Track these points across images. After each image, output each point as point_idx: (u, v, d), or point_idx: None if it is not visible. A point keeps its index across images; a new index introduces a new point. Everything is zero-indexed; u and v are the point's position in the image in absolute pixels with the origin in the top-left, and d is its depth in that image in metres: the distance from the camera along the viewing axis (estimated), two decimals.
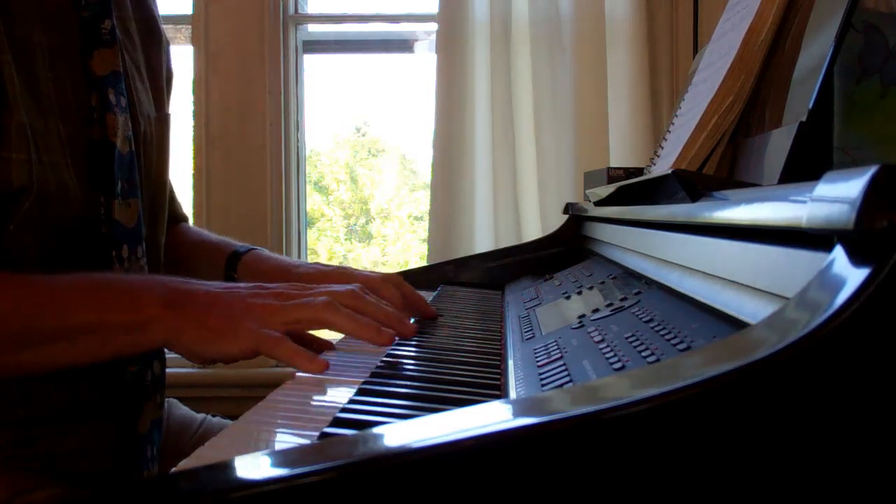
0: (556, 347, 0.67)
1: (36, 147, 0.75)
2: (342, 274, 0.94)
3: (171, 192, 1.09)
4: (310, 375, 0.67)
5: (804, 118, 0.64)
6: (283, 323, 0.70)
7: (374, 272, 0.96)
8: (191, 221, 1.20)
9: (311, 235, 3.13)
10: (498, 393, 0.62)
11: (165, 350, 0.89)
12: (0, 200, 0.74)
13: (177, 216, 1.11)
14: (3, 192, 0.73)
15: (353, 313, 0.72)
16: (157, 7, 1.02)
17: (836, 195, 0.33)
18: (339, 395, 0.60)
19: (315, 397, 0.62)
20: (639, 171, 1.27)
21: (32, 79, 0.77)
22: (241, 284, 0.77)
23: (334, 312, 0.71)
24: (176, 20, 2.07)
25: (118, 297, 0.71)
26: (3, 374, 0.73)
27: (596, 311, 0.74)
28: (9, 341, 0.69)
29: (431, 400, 0.58)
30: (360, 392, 0.60)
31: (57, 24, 0.81)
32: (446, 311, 1.02)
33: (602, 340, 0.62)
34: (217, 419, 1.07)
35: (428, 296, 1.16)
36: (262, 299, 0.71)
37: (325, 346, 0.80)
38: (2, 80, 0.73)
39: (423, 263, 1.83)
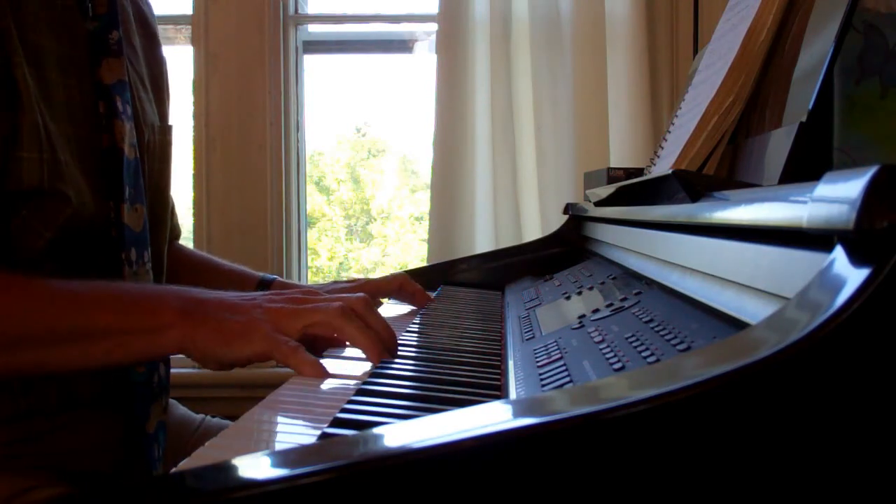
0: (556, 348, 0.67)
1: (51, 147, 0.76)
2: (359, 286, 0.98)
3: (172, 207, 1.10)
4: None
5: (804, 118, 0.64)
6: (298, 328, 0.70)
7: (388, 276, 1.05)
8: (191, 222, 1.22)
9: (312, 235, 3.13)
10: (498, 393, 0.62)
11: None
12: (11, 198, 0.74)
13: (175, 231, 1.12)
14: (14, 191, 0.74)
15: (362, 325, 0.72)
16: (155, 22, 1.05)
17: (836, 195, 0.33)
18: (339, 396, 0.60)
19: (315, 398, 0.62)
20: (639, 172, 1.27)
21: (44, 83, 0.78)
22: (257, 293, 0.78)
23: (346, 321, 0.71)
24: (176, 20, 2.07)
25: (137, 302, 0.72)
26: (16, 373, 0.74)
27: (596, 311, 0.74)
28: (30, 340, 0.70)
29: (431, 400, 0.58)
30: (360, 392, 0.60)
31: (66, 33, 0.82)
32: (446, 311, 1.02)
33: (602, 341, 0.62)
34: (216, 419, 1.07)
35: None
36: (277, 304, 0.72)
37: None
38: (14, 80, 0.74)
39: (423, 263, 1.83)
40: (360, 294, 0.77)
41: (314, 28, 2.14)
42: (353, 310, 0.72)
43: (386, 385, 0.62)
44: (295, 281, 1.98)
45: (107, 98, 0.85)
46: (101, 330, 0.70)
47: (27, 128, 0.74)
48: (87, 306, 0.72)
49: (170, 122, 1.03)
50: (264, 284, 1.08)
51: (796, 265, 0.39)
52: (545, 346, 0.69)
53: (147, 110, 0.96)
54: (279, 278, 1.12)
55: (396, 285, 1.07)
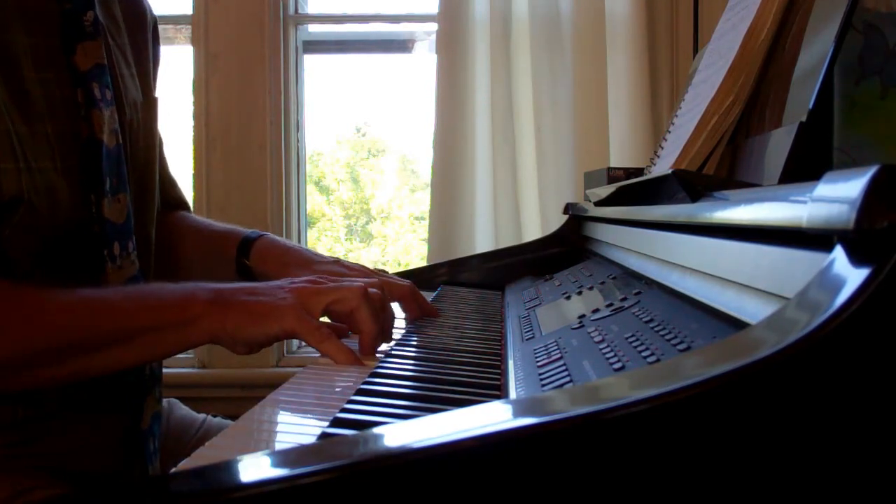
0: (556, 348, 0.67)
1: (24, 154, 0.75)
2: (364, 272, 0.95)
3: (170, 178, 1.07)
4: (309, 376, 0.67)
5: (804, 118, 0.64)
6: (322, 305, 0.73)
7: (398, 278, 1.00)
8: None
9: (312, 235, 3.13)
10: (498, 393, 0.62)
11: None
12: None
13: (177, 203, 1.10)
14: None
15: (376, 312, 0.75)
16: None
17: (836, 195, 0.33)
18: (339, 396, 0.60)
19: (315, 397, 0.62)
20: (639, 172, 1.27)
21: (17, 82, 0.76)
22: (277, 281, 0.80)
23: (364, 301, 0.74)
24: (176, 20, 2.07)
25: (167, 299, 0.74)
26: (63, 380, 0.76)
27: (596, 311, 0.74)
28: (74, 350, 0.72)
29: (432, 400, 0.58)
30: (360, 392, 0.60)
31: (38, 21, 0.79)
32: (446, 311, 1.02)
33: (602, 340, 0.62)
34: (217, 419, 1.06)
35: (428, 296, 1.16)
36: (299, 283, 0.76)
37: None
38: None
39: (423, 263, 1.83)
40: (377, 280, 0.80)
41: (314, 28, 2.14)
42: (370, 297, 0.75)
43: (386, 385, 0.62)
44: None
45: (84, 86, 0.82)
46: (138, 330, 0.73)
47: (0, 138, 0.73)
48: (123, 310, 0.74)
49: (155, 95, 1.00)
50: (247, 242, 1.00)
51: (796, 265, 0.39)
52: (545, 345, 0.69)
53: (129, 87, 0.92)
54: (267, 234, 1.02)
55: (408, 291, 0.95)
